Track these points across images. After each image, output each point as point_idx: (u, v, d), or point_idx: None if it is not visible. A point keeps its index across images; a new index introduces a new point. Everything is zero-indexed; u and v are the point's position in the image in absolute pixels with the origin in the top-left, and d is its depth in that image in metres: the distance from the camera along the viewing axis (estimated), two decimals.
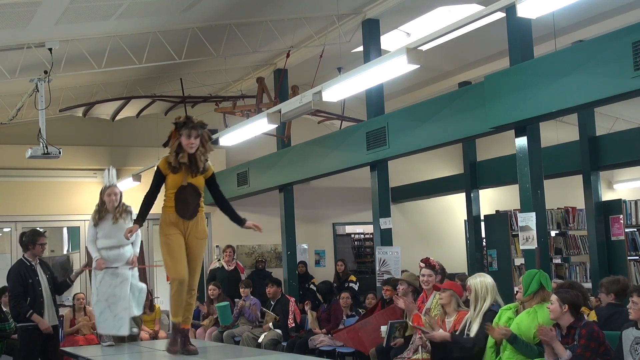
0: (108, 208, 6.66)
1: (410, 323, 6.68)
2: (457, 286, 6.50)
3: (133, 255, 6.81)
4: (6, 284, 10.44)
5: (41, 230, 7.70)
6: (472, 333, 5.82)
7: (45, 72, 8.85)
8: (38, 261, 7.32)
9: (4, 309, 9.59)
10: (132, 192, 12.90)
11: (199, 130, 5.58)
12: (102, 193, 6.74)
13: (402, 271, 9.42)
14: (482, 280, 5.98)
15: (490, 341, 5.64)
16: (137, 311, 6.77)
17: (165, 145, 5.67)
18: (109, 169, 6.95)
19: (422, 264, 6.98)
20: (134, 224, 5.83)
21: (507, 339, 5.35)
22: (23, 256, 7.35)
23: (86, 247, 7.56)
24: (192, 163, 5.62)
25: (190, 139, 5.54)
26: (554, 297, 5.22)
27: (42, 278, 7.24)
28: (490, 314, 5.80)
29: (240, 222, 5.95)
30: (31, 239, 7.31)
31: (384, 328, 7.34)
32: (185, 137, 5.54)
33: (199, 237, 5.84)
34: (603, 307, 6.25)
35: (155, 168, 5.72)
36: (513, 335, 5.33)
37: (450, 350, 5.92)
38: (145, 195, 5.71)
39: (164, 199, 5.73)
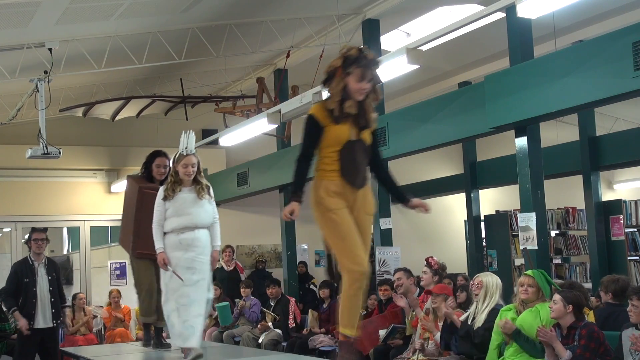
0: (183, 180, 5.42)
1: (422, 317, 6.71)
2: (447, 289, 6.59)
3: (214, 250, 5.52)
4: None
5: (41, 227, 7.71)
6: (476, 325, 5.89)
7: (45, 72, 8.86)
8: (45, 261, 7.33)
9: (4, 309, 9.61)
10: None
11: (374, 70, 4.15)
12: (175, 162, 5.47)
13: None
14: (492, 280, 6.09)
15: (494, 342, 5.66)
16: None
17: (324, 83, 4.23)
18: (187, 133, 5.53)
19: (425, 262, 7.12)
20: (291, 200, 4.22)
21: (510, 334, 5.37)
22: (28, 255, 7.38)
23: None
24: (360, 114, 4.18)
25: (363, 82, 4.08)
26: (557, 297, 5.22)
27: (42, 279, 7.24)
28: (494, 312, 5.85)
29: (404, 199, 4.51)
30: (28, 237, 7.38)
31: (382, 332, 7.36)
32: (356, 78, 4.08)
33: (369, 212, 4.37)
34: (602, 307, 6.25)
35: (307, 117, 4.23)
36: (516, 330, 5.35)
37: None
38: (297, 159, 4.21)
39: (319, 160, 4.28)
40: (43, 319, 7.20)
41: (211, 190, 5.54)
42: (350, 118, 4.14)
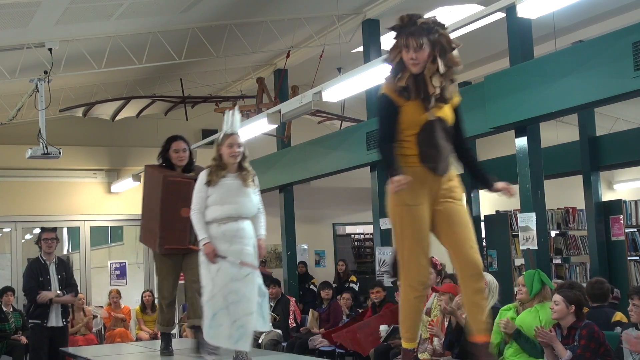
0: (228, 164, 4.89)
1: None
2: (453, 288, 6.57)
3: (259, 239, 4.96)
4: (6, 285, 10.53)
5: (51, 227, 7.73)
6: None
7: (45, 72, 8.86)
8: (56, 260, 7.37)
9: (4, 309, 9.62)
10: (132, 192, 12.94)
11: (422, 38, 3.64)
12: (219, 144, 4.95)
13: None
14: (492, 279, 6.07)
15: (493, 341, 5.65)
16: (262, 325, 4.90)
17: (387, 60, 3.80)
18: (230, 113, 5.04)
19: None
20: (393, 176, 3.64)
21: (511, 334, 5.37)
22: (40, 255, 7.41)
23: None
24: (419, 88, 3.67)
25: (410, 52, 3.62)
26: (559, 297, 5.19)
27: (54, 278, 7.30)
28: (493, 311, 5.85)
29: (489, 183, 3.97)
30: (38, 237, 7.42)
31: (383, 327, 7.34)
32: (405, 48, 3.65)
33: (458, 198, 3.86)
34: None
35: (378, 97, 3.82)
36: (517, 330, 5.35)
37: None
38: (379, 144, 3.78)
39: (398, 144, 3.77)
40: (55, 318, 7.28)
41: (256, 179, 5.02)
42: (414, 93, 3.66)
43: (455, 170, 3.86)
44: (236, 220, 4.81)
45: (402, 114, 3.69)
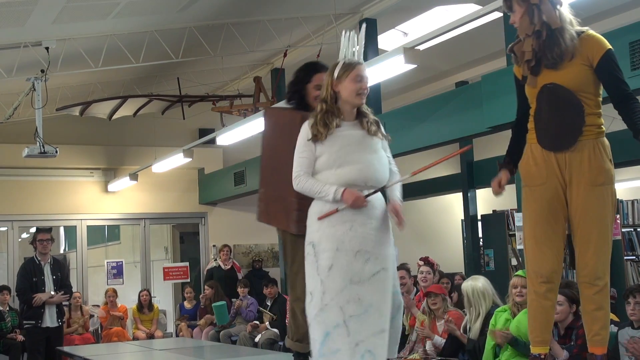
0: (344, 109, 3.48)
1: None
2: (441, 289, 6.58)
3: (392, 204, 3.50)
4: (2, 284, 10.53)
5: (46, 227, 7.75)
6: (472, 335, 5.85)
7: (42, 71, 8.84)
8: (50, 260, 7.38)
9: (0, 308, 9.62)
10: (129, 191, 12.94)
11: None
12: (336, 78, 3.54)
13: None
14: (472, 285, 5.91)
15: (490, 342, 5.64)
16: (391, 349, 3.45)
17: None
18: (357, 33, 3.76)
19: (421, 262, 7.02)
20: (502, 168, 3.47)
21: (509, 342, 5.34)
22: (34, 255, 7.42)
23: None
24: (543, 48, 3.18)
25: (514, 13, 3.27)
26: (562, 298, 5.05)
27: (48, 278, 7.32)
28: (489, 316, 5.79)
29: None
30: (33, 237, 7.44)
31: None
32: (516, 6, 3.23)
33: (592, 182, 3.19)
34: None
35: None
36: (514, 338, 5.32)
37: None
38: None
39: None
40: (50, 318, 7.31)
41: (382, 127, 3.61)
42: (533, 59, 3.22)
43: (601, 143, 3.25)
44: (362, 190, 3.41)
45: (526, 88, 3.35)
